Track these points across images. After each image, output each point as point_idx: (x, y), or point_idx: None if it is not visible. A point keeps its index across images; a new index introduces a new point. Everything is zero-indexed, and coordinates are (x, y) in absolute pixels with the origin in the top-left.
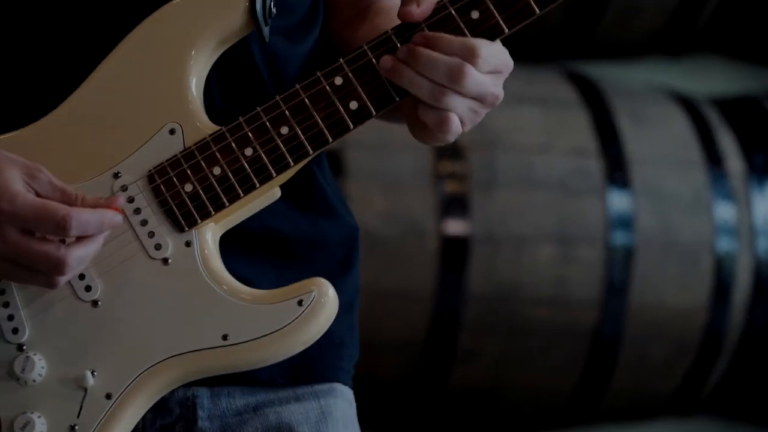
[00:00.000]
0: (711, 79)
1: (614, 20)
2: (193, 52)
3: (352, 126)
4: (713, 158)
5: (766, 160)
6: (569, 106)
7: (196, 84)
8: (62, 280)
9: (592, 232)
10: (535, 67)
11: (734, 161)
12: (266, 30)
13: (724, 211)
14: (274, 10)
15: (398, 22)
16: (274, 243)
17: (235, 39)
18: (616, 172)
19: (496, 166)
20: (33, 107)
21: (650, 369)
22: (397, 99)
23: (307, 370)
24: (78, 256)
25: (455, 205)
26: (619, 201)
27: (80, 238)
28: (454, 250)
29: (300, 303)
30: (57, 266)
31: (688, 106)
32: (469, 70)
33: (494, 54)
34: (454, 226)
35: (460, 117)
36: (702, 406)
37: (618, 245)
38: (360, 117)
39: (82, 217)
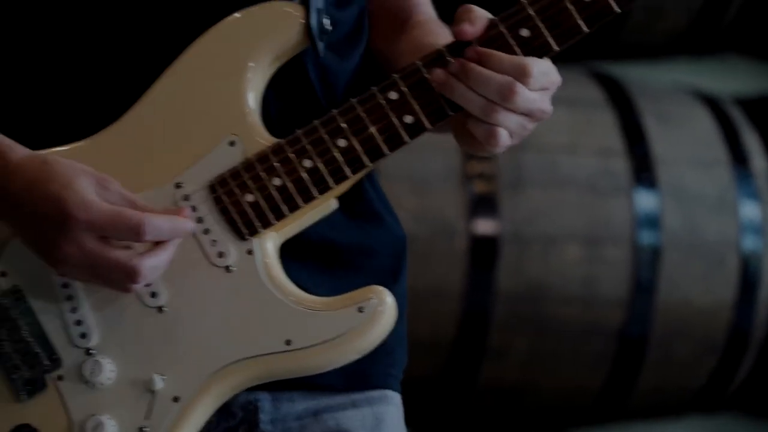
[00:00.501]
0: (735, 79)
1: (640, 21)
2: (250, 66)
3: (408, 139)
4: (738, 157)
5: None
6: (596, 106)
7: (253, 98)
8: (136, 288)
9: (619, 232)
10: (561, 67)
11: (759, 160)
12: (321, 46)
13: (749, 210)
14: (329, 27)
15: (434, 33)
16: (328, 252)
17: (291, 54)
18: (643, 172)
19: (523, 167)
20: (93, 118)
21: (676, 367)
22: (451, 113)
23: (362, 376)
24: (151, 265)
25: (484, 204)
26: (645, 201)
27: (153, 247)
28: (483, 250)
29: (360, 310)
30: (131, 275)
31: (713, 105)
32: (520, 88)
33: (544, 72)
34: (483, 226)
35: (508, 131)
36: (728, 403)
37: (645, 245)
38: (415, 130)
39: (156, 222)
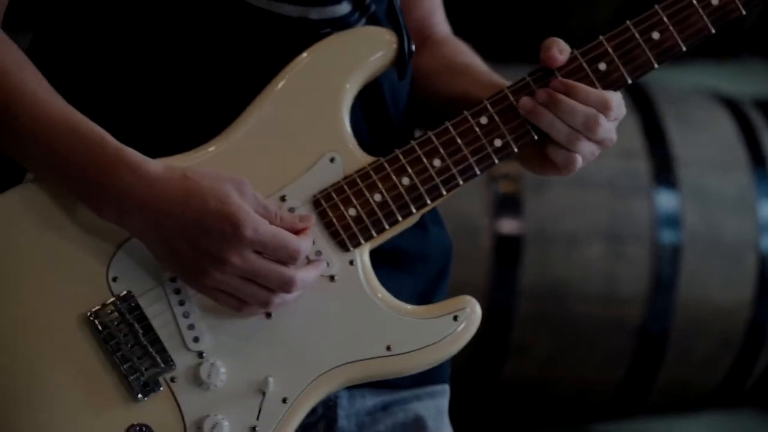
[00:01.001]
0: (755, 82)
1: None
2: (347, 86)
3: (496, 161)
4: (757, 159)
5: None
6: None
7: (347, 116)
8: (286, 298)
9: (640, 231)
10: None
11: None
12: (408, 68)
13: None
14: (414, 50)
15: (463, 53)
16: (395, 257)
17: (378, 75)
18: (664, 172)
19: None
20: (195, 131)
21: (695, 363)
22: (536, 138)
23: (426, 374)
24: (304, 278)
25: (508, 204)
26: (666, 201)
27: (308, 264)
28: (508, 248)
29: (455, 318)
30: (288, 284)
31: (733, 108)
32: (602, 120)
33: (619, 105)
34: (508, 225)
35: (583, 157)
36: (745, 399)
37: (665, 243)
38: (503, 153)
39: (307, 247)
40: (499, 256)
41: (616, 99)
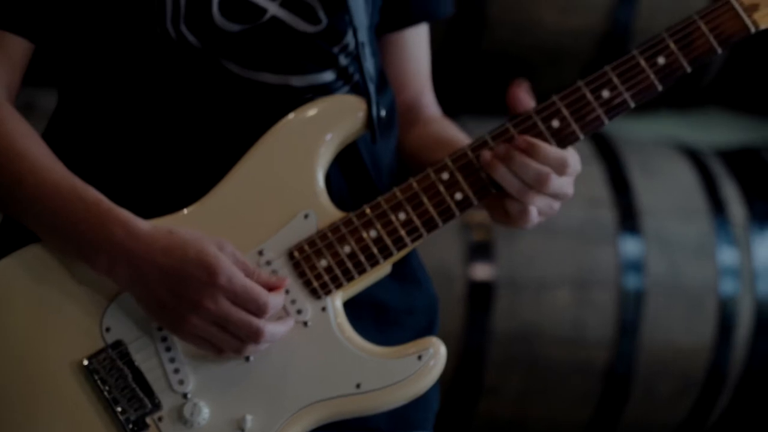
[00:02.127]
0: (716, 131)
1: None
2: (320, 152)
3: (458, 214)
4: (717, 207)
5: (766, 207)
6: (585, 159)
7: (321, 176)
8: (253, 348)
9: (606, 277)
10: None
11: (737, 209)
12: (378, 133)
13: (728, 256)
14: (384, 116)
15: (452, 128)
16: (378, 310)
17: (353, 139)
18: (628, 220)
19: None
20: (180, 193)
21: (659, 403)
22: (494, 191)
23: (404, 419)
24: (272, 331)
25: (481, 252)
26: (630, 247)
27: (278, 319)
28: (480, 294)
29: (420, 358)
30: (256, 335)
31: (694, 157)
32: (553, 177)
33: (575, 164)
34: (480, 271)
35: (538, 210)
36: None
37: (629, 289)
38: (464, 206)
39: (277, 303)
40: (472, 301)
41: (573, 158)
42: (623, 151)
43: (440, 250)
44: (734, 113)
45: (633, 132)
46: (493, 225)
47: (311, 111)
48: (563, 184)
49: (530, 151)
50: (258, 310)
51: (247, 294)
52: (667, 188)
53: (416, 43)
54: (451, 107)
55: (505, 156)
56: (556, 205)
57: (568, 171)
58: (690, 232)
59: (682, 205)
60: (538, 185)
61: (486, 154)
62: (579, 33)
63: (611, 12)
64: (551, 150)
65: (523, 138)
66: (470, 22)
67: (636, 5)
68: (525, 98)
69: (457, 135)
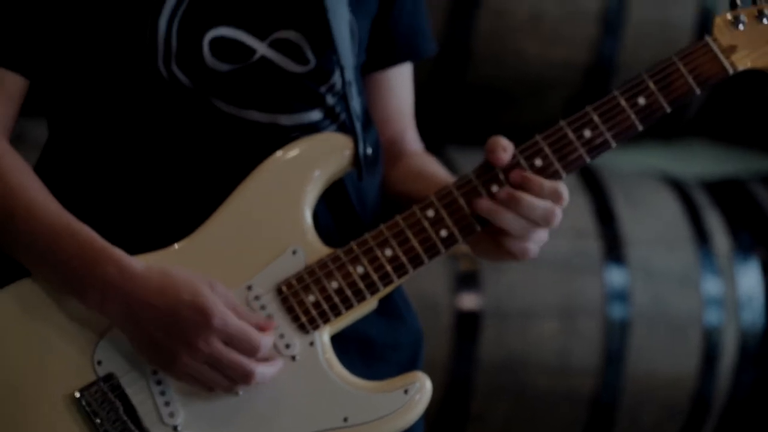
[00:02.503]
0: (700, 162)
1: None
2: (308, 189)
3: (443, 250)
4: (701, 237)
5: (750, 238)
6: (570, 190)
7: (309, 213)
8: (243, 388)
9: (591, 307)
10: None
11: (721, 239)
12: (364, 170)
13: (712, 287)
14: (370, 153)
15: (432, 163)
16: (364, 345)
17: (339, 177)
18: (613, 251)
19: None
20: (171, 229)
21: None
22: (479, 229)
23: None
24: (262, 373)
25: (468, 281)
26: (616, 278)
27: (268, 360)
28: (467, 323)
29: (406, 392)
30: (247, 376)
31: (679, 188)
32: (558, 211)
33: (567, 194)
34: (467, 301)
35: (535, 243)
36: None
37: (615, 319)
38: (449, 243)
39: (268, 344)
40: (459, 331)
41: (565, 188)
42: (608, 183)
43: (427, 280)
44: (718, 144)
45: (618, 163)
46: None
47: (299, 149)
48: (560, 216)
49: (526, 185)
50: (251, 350)
51: (241, 335)
52: (652, 219)
53: (400, 82)
54: (436, 138)
55: (509, 200)
56: (547, 235)
57: (562, 203)
58: (674, 262)
59: (667, 236)
60: (545, 222)
61: (483, 203)
62: (562, 65)
63: (595, 45)
64: (545, 183)
65: (518, 172)
66: (455, 54)
67: (620, 38)
68: (502, 156)
69: (438, 169)
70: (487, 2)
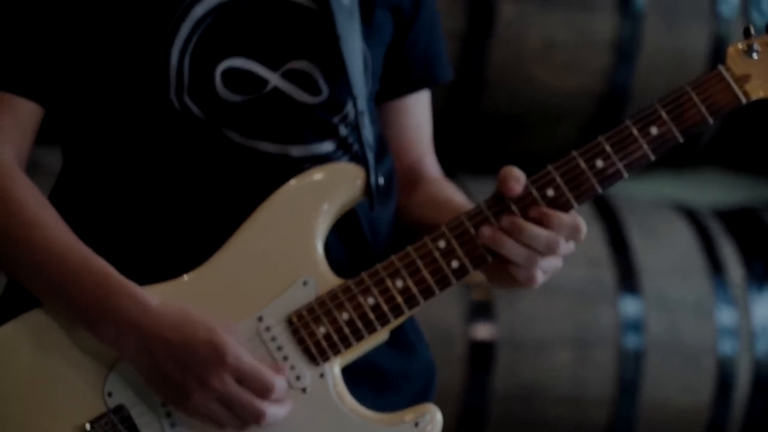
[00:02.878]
0: (713, 191)
1: None
2: (319, 219)
3: (454, 281)
4: (715, 266)
5: (764, 267)
6: (584, 219)
7: (320, 243)
8: (254, 427)
9: (606, 336)
10: None
11: (735, 269)
12: (376, 200)
13: (726, 316)
14: (382, 183)
15: (448, 189)
16: (375, 376)
17: (351, 207)
18: (627, 280)
19: None
20: (181, 259)
21: None
22: (490, 260)
23: None
24: (274, 413)
25: (482, 311)
26: (630, 307)
27: (280, 401)
28: (481, 354)
29: (416, 425)
30: (258, 416)
31: (692, 217)
32: (562, 242)
33: (584, 227)
34: (481, 331)
35: (543, 270)
36: None
37: (629, 348)
38: (460, 274)
39: (282, 386)
40: (473, 361)
41: (583, 222)
42: (622, 212)
43: (440, 309)
44: (732, 173)
45: (631, 192)
46: None
47: (310, 179)
48: (570, 246)
49: (546, 222)
50: (264, 390)
51: (255, 375)
52: (666, 248)
53: (417, 109)
54: (449, 165)
55: (512, 229)
56: (560, 262)
57: (581, 237)
58: (689, 291)
59: (681, 265)
60: (549, 251)
61: (486, 231)
62: (576, 94)
63: (609, 73)
64: (564, 217)
65: (536, 209)
66: (469, 83)
67: (633, 66)
68: (514, 186)
69: (455, 196)
70: (501, 31)
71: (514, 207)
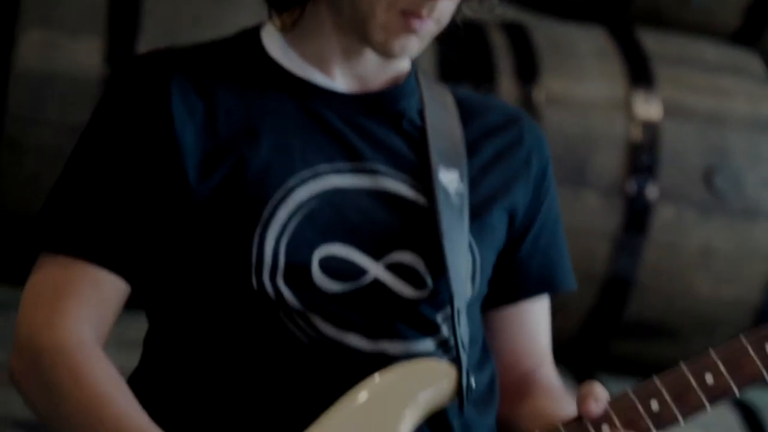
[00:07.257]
0: None
1: None
2: (406, 415)
3: None
4: None
5: None
6: (730, 428)
7: None
8: None
9: None
10: None
11: None
12: (467, 403)
13: None
14: (474, 386)
15: (559, 403)
16: None
17: (439, 407)
18: None
19: None
20: None
21: None
22: None
23: None
24: None
25: None
26: None
27: None
28: None
29: None
30: None
31: None
32: None
33: None
34: None
35: None
36: None
37: None
38: None
39: None
40: None
41: None
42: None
43: None
44: None
45: None
46: None
47: (397, 373)
48: None
49: None
50: None
51: None
52: None
53: (533, 317)
54: (589, 364)
55: None
56: None
57: None
58: None
59: None
60: None
61: None
62: (732, 304)
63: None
64: None
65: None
66: (619, 286)
67: None
68: (593, 407)
69: (562, 410)
70: (655, 235)
71: (591, 429)
